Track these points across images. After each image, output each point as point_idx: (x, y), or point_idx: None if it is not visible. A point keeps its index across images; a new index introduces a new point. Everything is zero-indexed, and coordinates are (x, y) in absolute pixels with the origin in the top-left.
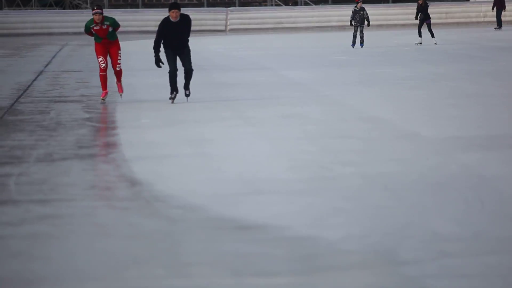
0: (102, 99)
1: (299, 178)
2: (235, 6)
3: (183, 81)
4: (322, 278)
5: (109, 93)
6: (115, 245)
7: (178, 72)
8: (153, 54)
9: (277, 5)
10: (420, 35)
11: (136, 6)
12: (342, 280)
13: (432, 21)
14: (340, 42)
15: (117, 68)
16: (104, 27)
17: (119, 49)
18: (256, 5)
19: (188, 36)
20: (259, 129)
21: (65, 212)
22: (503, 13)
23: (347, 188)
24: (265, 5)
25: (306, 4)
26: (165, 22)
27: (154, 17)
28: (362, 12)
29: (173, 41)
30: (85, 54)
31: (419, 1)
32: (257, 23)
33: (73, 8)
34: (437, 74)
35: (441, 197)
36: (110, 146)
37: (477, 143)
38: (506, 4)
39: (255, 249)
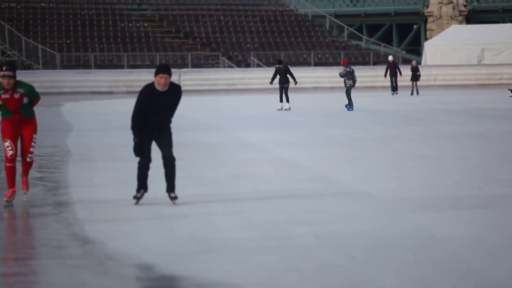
0: (7, 200)
1: (252, 237)
2: (187, 68)
3: (161, 177)
4: None
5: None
6: None
7: (151, 164)
8: (132, 135)
9: (229, 66)
10: (281, 100)
11: (89, 67)
12: None
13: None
14: (292, 104)
15: (28, 159)
16: (17, 96)
17: (35, 132)
18: (208, 67)
19: (173, 113)
20: (212, 189)
21: (16, 271)
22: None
23: (300, 247)
24: (218, 67)
25: (258, 66)
26: (149, 90)
27: (106, 78)
28: (350, 76)
29: (155, 119)
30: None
31: (278, 65)
32: (210, 84)
33: (25, 69)
34: (389, 136)
35: (393, 256)
36: (61, 205)
37: (428, 204)
38: (401, 70)
39: None
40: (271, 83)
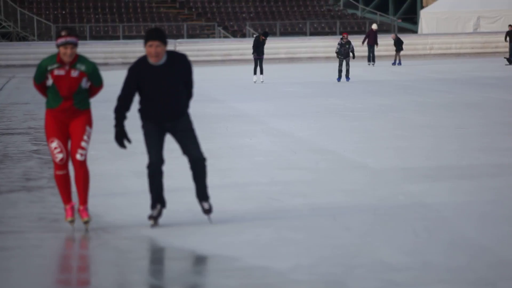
0: (71, 220)
1: (248, 209)
2: (183, 38)
3: (191, 184)
4: None
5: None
6: (64, 277)
7: (164, 167)
8: (113, 121)
9: (225, 37)
10: (255, 73)
11: (84, 38)
12: None
13: (383, 53)
14: (288, 74)
15: (78, 156)
16: (74, 74)
17: (89, 124)
18: (204, 37)
19: (188, 94)
20: (208, 161)
21: (13, 244)
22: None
23: (296, 219)
24: (213, 37)
25: (253, 36)
26: (138, 66)
27: (102, 49)
28: (348, 46)
29: (159, 103)
30: (32, 86)
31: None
32: (206, 55)
33: (20, 40)
34: (386, 106)
35: (390, 227)
36: None
37: (424, 174)
38: (378, 40)
39: (205, 280)
40: (253, 53)
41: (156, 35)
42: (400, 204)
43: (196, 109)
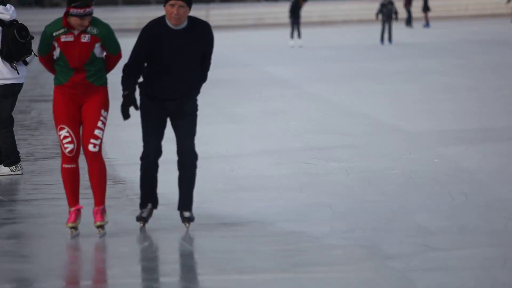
0: (72, 226)
1: (283, 174)
2: (215, 2)
3: (175, 186)
4: (307, 273)
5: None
6: (99, 243)
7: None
8: (121, 89)
9: (258, 1)
10: (292, 36)
11: (115, 4)
12: (328, 275)
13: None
14: (324, 37)
15: (91, 146)
16: (85, 39)
17: (104, 108)
18: (237, 1)
19: (203, 74)
20: (242, 126)
21: (49, 211)
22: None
23: (331, 184)
24: (246, 1)
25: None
26: (154, 27)
27: (134, 14)
28: (390, 6)
29: (166, 74)
30: None
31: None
32: (239, 19)
33: (53, 7)
34: (428, 69)
35: (425, 191)
36: None
37: (458, 137)
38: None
39: (239, 245)
40: (290, 17)
41: None
42: (435, 167)
43: (230, 74)
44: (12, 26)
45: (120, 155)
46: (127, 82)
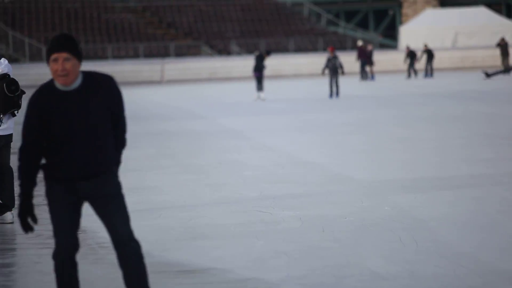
0: None
1: (240, 223)
2: (169, 57)
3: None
4: None
5: None
6: None
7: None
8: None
9: (211, 55)
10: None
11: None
12: None
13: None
14: (273, 89)
15: None
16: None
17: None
18: (191, 56)
19: (118, 139)
20: (200, 176)
21: (9, 262)
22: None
23: (286, 231)
24: (200, 56)
25: (239, 54)
26: (42, 94)
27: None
28: (334, 61)
29: (67, 150)
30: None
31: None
32: (193, 74)
33: (12, 62)
34: (376, 120)
35: (377, 237)
36: None
37: (408, 185)
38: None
39: None
40: (255, 72)
41: (62, 44)
42: (387, 215)
43: (185, 126)
44: (2, 79)
45: None
46: (24, 181)
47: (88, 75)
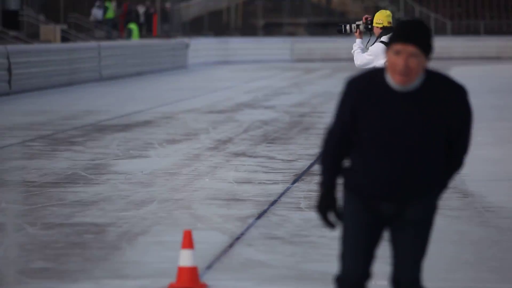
0: None
1: None
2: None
3: None
4: None
5: None
6: (445, 249)
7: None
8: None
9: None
10: None
11: (478, 34)
12: None
13: None
14: None
15: None
16: None
17: None
18: None
19: (453, 159)
20: None
21: None
22: None
23: None
24: None
25: None
26: (366, 84)
27: (495, 44)
28: None
29: (382, 161)
30: None
31: None
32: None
33: None
34: None
35: None
36: None
37: None
38: None
39: None
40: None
41: (410, 34)
42: None
43: None
44: None
45: (472, 171)
46: (325, 169)
47: (434, 76)
